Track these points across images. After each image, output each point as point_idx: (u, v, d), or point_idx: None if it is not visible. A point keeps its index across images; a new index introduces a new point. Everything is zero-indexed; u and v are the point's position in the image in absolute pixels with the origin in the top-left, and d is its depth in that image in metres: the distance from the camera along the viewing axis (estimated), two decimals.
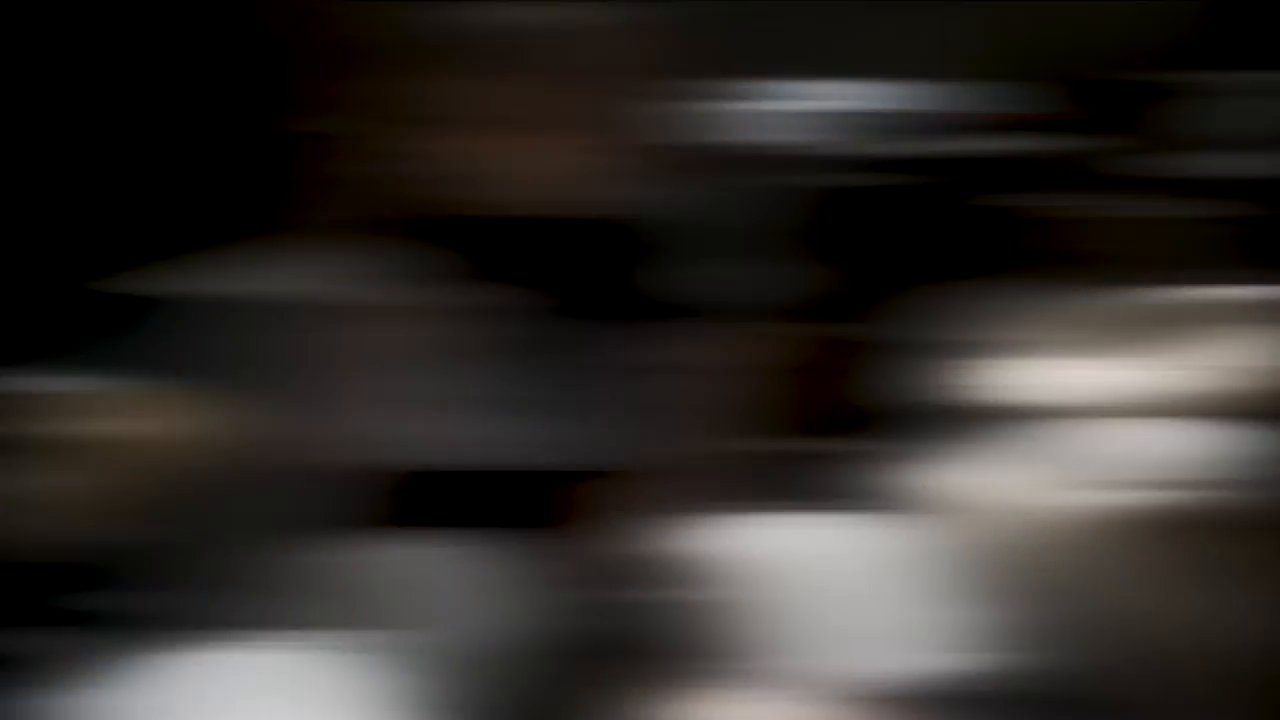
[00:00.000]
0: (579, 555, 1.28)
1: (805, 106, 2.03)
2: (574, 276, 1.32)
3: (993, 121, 1.99)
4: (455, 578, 1.23)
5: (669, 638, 1.14)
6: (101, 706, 0.91)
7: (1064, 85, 1.80)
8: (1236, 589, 0.99)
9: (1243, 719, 1.06)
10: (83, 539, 1.15)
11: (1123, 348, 1.34)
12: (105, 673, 0.93)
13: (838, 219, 2.04)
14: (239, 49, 1.71)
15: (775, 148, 2.06)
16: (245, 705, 0.95)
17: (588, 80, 1.14)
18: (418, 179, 1.39)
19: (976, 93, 2.05)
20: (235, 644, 1.01)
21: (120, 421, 1.33)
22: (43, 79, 1.77)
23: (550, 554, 1.25)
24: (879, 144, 2.01)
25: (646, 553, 1.29)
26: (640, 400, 1.48)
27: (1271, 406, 1.25)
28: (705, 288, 1.33)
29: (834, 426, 2.31)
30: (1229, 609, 1.00)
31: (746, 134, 2.12)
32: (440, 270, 1.45)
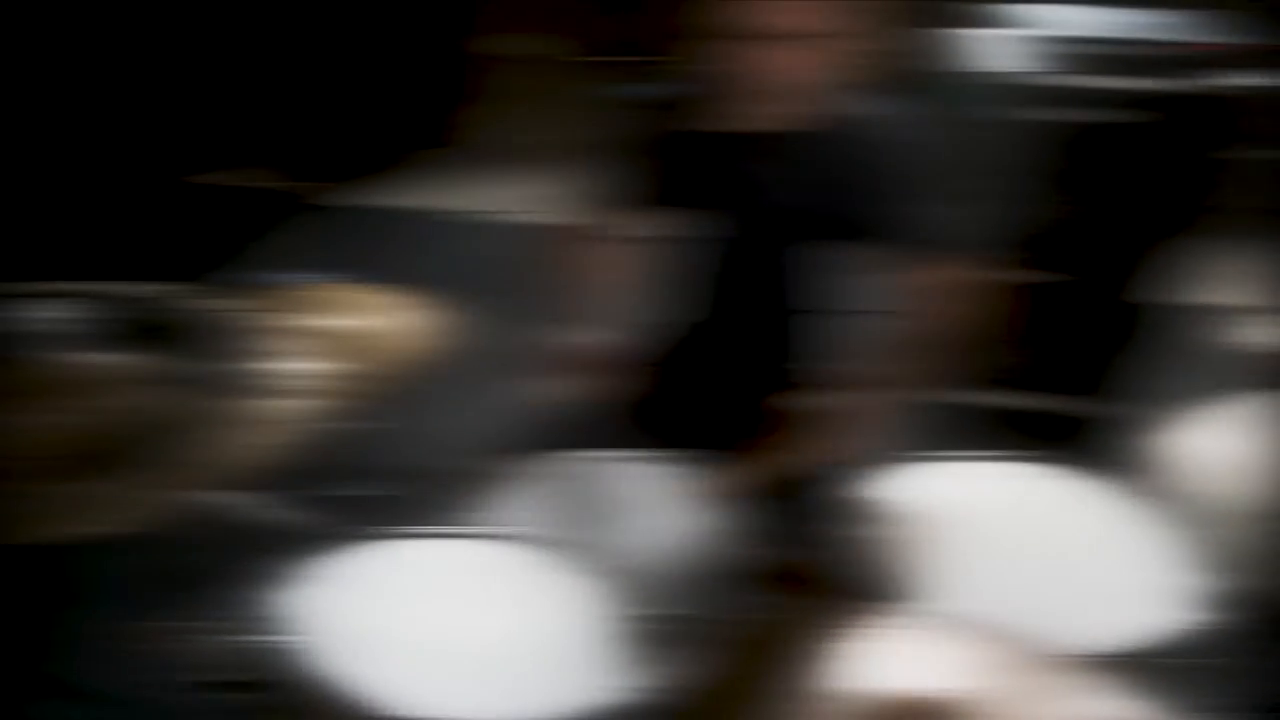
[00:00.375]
0: (770, 487, 1.29)
1: (1047, 34, 1.99)
2: (787, 198, 1.33)
3: (1228, 54, 1.94)
4: (649, 495, 1.25)
5: (850, 574, 1.13)
6: (325, 582, 0.96)
7: None
8: None
9: None
10: (316, 425, 1.18)
11: None
12: (325, 553, 0.98)
13: (1073, 157, 2.02)
14: None
15: (1014, 77, 2.03)
16: (440, 592, 1.00)
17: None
18: (647, 97, 1.41)
19: (1212, 22, 2.01)
20: (434, 535, 1.06)
21: (345, 317, 1.37)
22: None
23: (742, 482, 1.26)
24: (1116, 78, 1.98)
25: (835, 490, 1.28)
26: (842, 333, 1.47)
27: None
28: (930, 220, 1.32)
29: (1043, 376, 2.29)
30: None
31: (988, 62, 2.09)
32: (641, 192, 1.46)
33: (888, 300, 1.41)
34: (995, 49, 2.24)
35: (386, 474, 2.19)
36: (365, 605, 0.96)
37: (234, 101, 3.94)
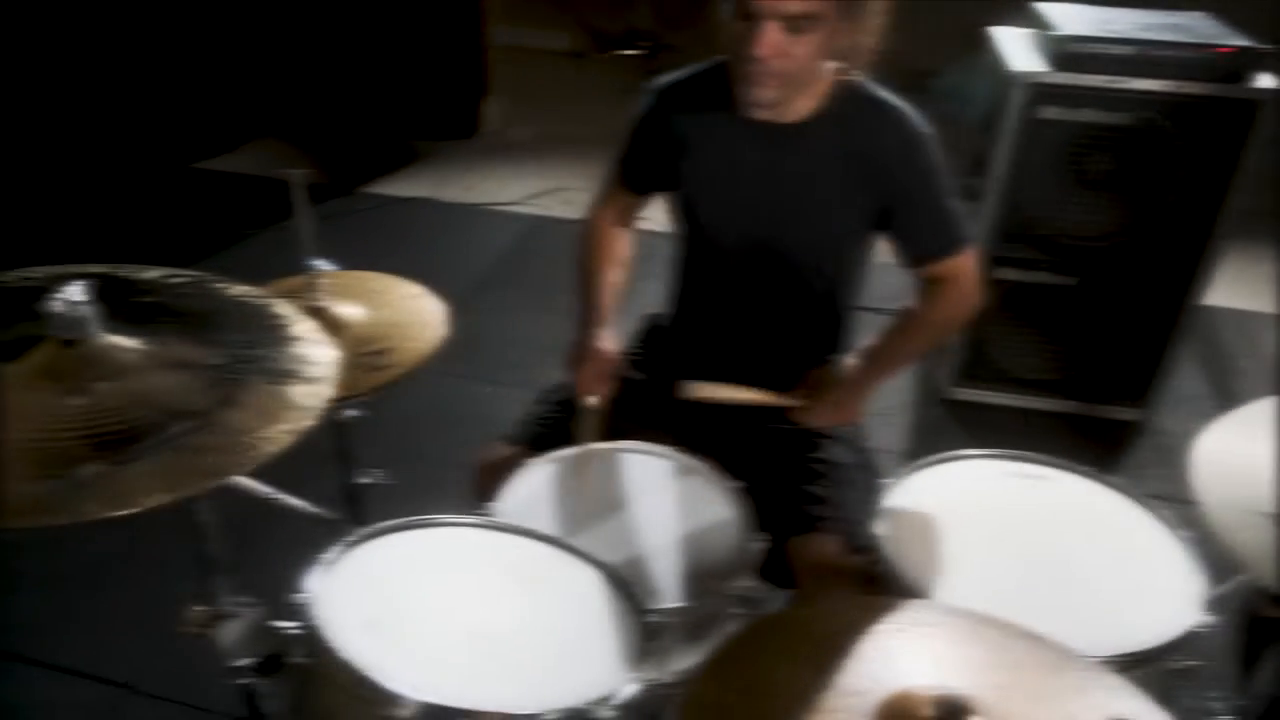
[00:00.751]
0: (779, 479, 1.30)
1: (1067, 33, 2.01)
2: (798, 189, 1.33)
3: (1248, 57, 1.96)
4: (657, 486, 1.26)
5: (863, 569, 1.17)
6: (343, 568, 0.96)
7: None
8: None
9: None
10: (333, 412, 1.12)
11: None
12: (343, 539, 0.98)
13: (1093, 159, 2.02)
14: None
15: (1033, 76, 2.04)
16: (451, 581, 1.00)
17: None
18: (659, 88, 1.41)
19: (1232, 25, 2.01)
20: (446, 524, 1.06)
21: (360, 306, 1.39)
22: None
23: (748, 473, 1.27)
24: (1137, 79, 2.03)
25: (848, 484, 1.31)
26: (855, 325, 1.49)
27: None
28: (943, 215, 1.32)
29: (1059, 377, 2.25)
30: None
31: (1008, 60, 2.13)
32: (651, 181, 1.45)
33: (901, 292, 1.41)
34: (1015, 47, 2.23)
35: (398, 461, 2.20)
36: (381, 592, 0.96)
37: (251, 90, 3.97)
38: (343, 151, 3.97)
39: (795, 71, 1.20)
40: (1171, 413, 2.49)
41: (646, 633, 0.96)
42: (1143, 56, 2.04)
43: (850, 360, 1.38)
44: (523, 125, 4.28)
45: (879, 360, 1.37)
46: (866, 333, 1.51)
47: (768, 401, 1.33)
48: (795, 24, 1.16)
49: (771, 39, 1.16)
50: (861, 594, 1.21)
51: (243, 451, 0.76)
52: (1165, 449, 2.36)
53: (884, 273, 1.46)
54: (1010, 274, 2.29)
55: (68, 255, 1.07)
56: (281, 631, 0.94)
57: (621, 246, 1.53)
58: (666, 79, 1.42)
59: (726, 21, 1.20)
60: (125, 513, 0.69)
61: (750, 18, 1.17)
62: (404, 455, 2.24)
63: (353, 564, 0.98)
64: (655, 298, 1.57)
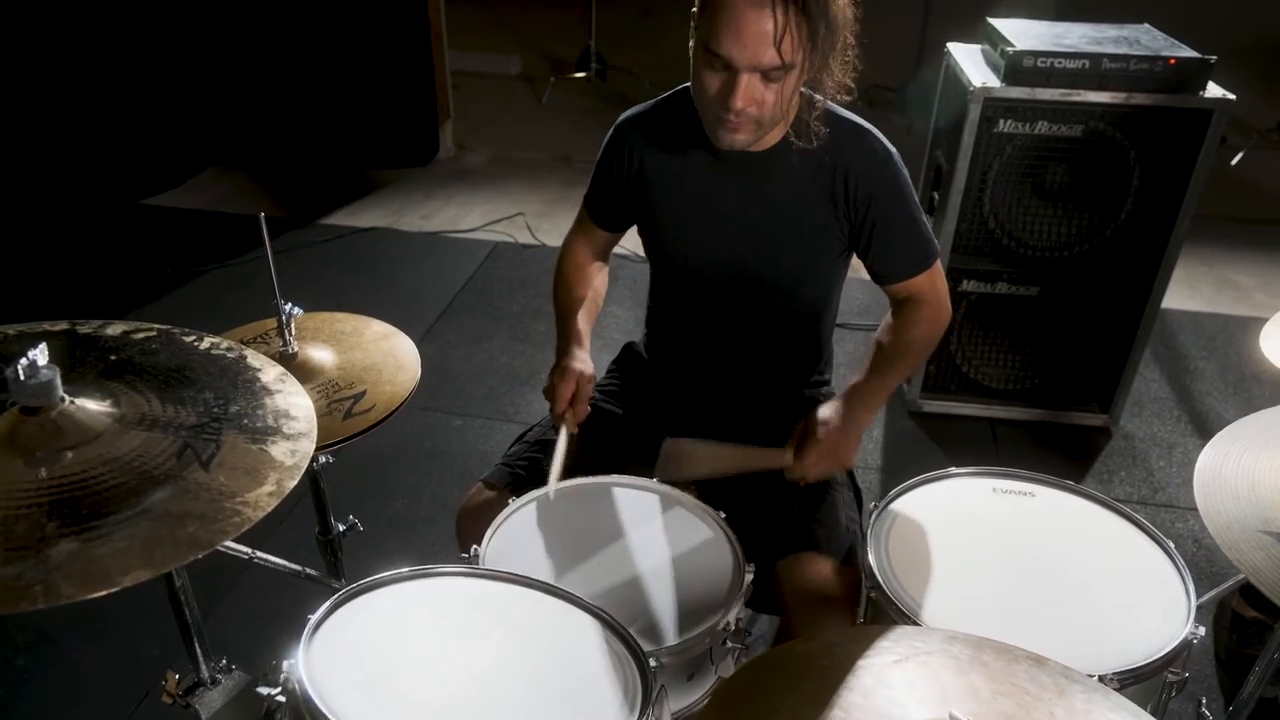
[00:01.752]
0: (768, 500, 1.27)
1: (1023, 49, 2.06)
2: (765, 211, 1.31)
3: (1193, 68, 2.01)
4: (646, 516, 1.23)
5: (858, 589, 1.16)
6: (329, 624, 0.92)
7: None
8: None
9: None
10: (309, 462, 1.08)
11: None
12: (327, 595, 0.94)
13: (1053, 169, 2.03)
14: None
15: (991, 91, 2.09)
16: (439, 631, 0.96)
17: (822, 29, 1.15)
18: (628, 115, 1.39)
19: (1180, 38, 2.04)
20: (433, 574, 1.02)
21: (331, 348, 1.35)
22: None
23: (740, 496, 1.25)
24: (1090, 92, 2.05)
25: (837, 503, 1.29)
26: (832, 342, 1.48)
27: None
28: (912, 230, 1.31)
29: (1038, 389, 2.33)
30: None
31: (966, 76, 2.14)
32: (616, 205, 1.43)
33: (871, 307, 1.41)
34: (971, 63, 2.26)
35: (372, 503, 2.15)
36: (369, 649, 0.93)
37: (202, 123, 3.89)
38: (299, 183, 3.91)
39: (770, 116, 1.20)
40: (1135, 416, 2.54)
41: (644, 675, 0.94)
42: (1092, 69, 2.08)
43: (834, 404, 1.30)
44: (478, 151, 4.26)
45: (867, 396, 1.31)
46: (841, 349, 1.51)
47: (759, 464, 1.27)
48: (770, 74, 1.15)
49: (748, 91, 1.15)
50: (851, 615, 1.20)
51: (225, 518, 0.73)
52: (1131, 452, 2.40)
53: (853, 289, 1.46)
54: (973, 286, 2.32)
55: (16, 307, 1.02)
56: (266, 698, 0.90)
57: (596, 278, 1.51)
58: (632, 112, 1.40)
59: (699, 70, 1.19)
60: (104, 593, 0.65)
61: (726, 69, 1.15)
62: (377, 496, 2.20)
63: (339, 622, 0.94)
64: (632, 326, 1.56)
